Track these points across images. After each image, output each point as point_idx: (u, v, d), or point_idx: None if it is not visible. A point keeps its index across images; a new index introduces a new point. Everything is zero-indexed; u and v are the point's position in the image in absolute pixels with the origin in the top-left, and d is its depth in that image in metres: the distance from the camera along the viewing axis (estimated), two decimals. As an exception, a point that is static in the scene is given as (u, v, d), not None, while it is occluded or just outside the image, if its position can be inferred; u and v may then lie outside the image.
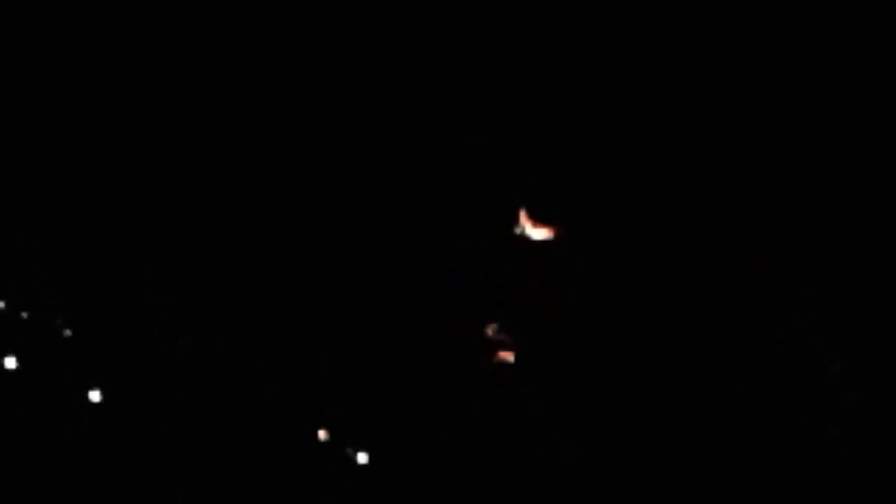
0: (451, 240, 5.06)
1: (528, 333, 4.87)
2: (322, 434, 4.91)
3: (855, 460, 4.84)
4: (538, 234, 4.87)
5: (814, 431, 4.87)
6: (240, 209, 5.17)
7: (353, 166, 5.14)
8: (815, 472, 4.83)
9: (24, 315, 5.02)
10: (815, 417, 4.88)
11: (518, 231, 4.86)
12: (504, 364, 4.87)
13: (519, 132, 5.08)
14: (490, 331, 4.88)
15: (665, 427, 4.85)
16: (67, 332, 5.01)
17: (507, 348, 4.87)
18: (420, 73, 5.11)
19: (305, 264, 5.13)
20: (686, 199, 4.96)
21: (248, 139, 5.18)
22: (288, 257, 5.14)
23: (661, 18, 5.00)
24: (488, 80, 5.09)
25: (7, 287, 5.09)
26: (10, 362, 4.95)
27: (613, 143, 5.04)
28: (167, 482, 4.94)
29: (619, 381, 4.86)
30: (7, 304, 5.05)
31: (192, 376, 5.06)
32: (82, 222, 5.17)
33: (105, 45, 5.18)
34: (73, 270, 5.14)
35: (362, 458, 4.94)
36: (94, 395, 5.01)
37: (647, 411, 4.85)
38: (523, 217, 4.85)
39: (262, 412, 5.02)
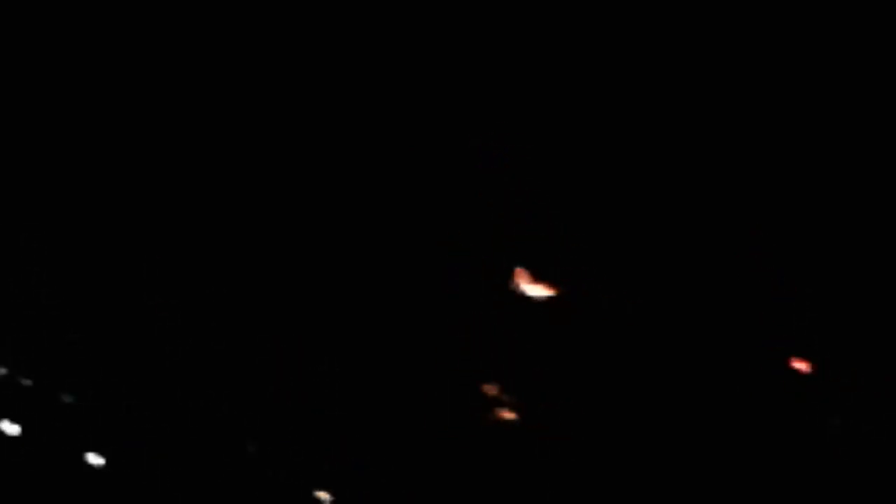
0: (450, 241, 5.06)
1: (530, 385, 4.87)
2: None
3: (855, 460, 4.84)
4: (535, 291, 4.88)
5: (814, 431, 4.87)
6: (240, 209, 5.17)
7: (354, 167, 5.14)
8: (816, 472, 4.83)
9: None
10: (814, 417, 4.88)
11: (515, 289, 4.87)
12: (505, 421, 4.88)
13: (519, 132, 5.08)
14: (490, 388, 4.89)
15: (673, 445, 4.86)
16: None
17: (508, 405, 4.87)
18: (420, 73, 5.11)
19: (305, 266, 5.13)
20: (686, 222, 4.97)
21: (249, 139, 5.17)
22: (288, 258, 5.14)
23: (661, 19, 4.99)
24: (488, 80, 5.09)
25: (7, 288, 5.10)
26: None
27: (613, 145, 5.04)
28: (168, 483, 4.95)
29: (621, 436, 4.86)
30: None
31: (193, 376, 5.06)
32: (83, 223, 5.17)
33: (105, 45, 5.18)
34: (73, 271, 5.15)
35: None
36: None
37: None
38: (519, 275, 4.86)
39: (262, 413, 5.02)
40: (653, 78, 5.01)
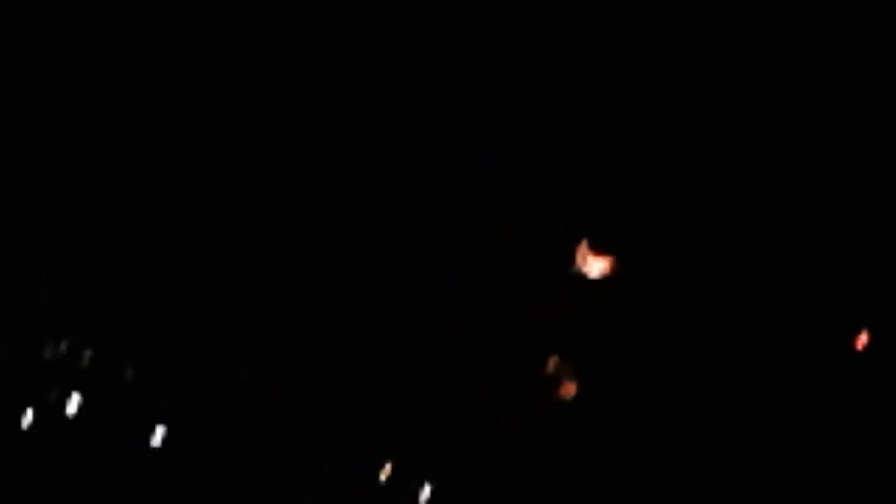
0: (450, 241, 5.07)
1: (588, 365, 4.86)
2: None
3: (855, 460, 4.84)
4: (595, 267, 4.89)
5: (813, 432, 4.88)
6: (240, 209, 5.17)
7: (355, 167, 5.15)
8: (815, 472, 4.83)
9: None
10: (814, 418, 4.89)
11: (576, 268, 4.88)
12: (565, 398, 4.87)
13: (519, 132, 5.08)
14: (552, 365, 4.89)
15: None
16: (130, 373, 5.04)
17: (569, 381, 4.87)
18: (420, 73, 5.12)
19: (306, 266, 5.14)
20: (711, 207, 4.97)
21: (248, 139, 5.18)
22: (288, 259, 5.14)
23: (662, 19, 5.01)
24: (488, 80, 5.10)
25: (8, 288, 5.10)
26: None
27: (613, 145, 5.05)
28: (166, 484, 4.95)
29: (675, 415, 4.85)
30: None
31: (192, 376, 5.07)
32: (83, 223, 5.18)
33: (105, 45, 5.18)
34: (73, 271, 5.15)
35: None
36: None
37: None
38: (582, 252, 4.86)
39: (262, 413, 5.03)
40: (654, 78, 5.02)
